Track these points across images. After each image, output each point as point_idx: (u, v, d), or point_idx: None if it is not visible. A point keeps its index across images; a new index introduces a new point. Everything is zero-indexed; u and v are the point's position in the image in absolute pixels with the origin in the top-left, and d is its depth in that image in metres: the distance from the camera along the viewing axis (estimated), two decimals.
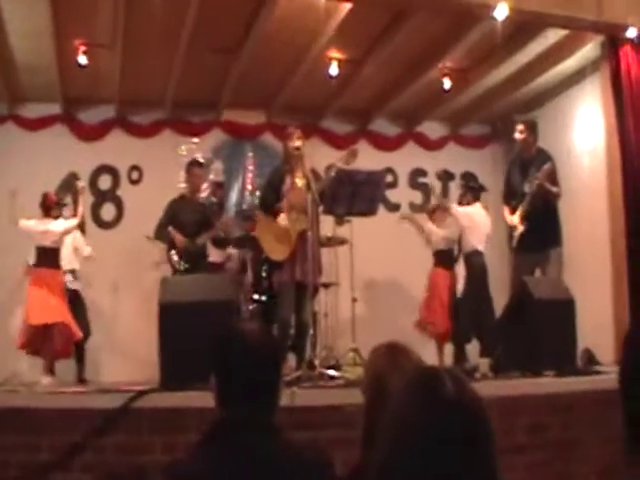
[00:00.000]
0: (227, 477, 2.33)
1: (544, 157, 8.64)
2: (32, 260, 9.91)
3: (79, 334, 9.75)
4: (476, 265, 10.02)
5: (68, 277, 10.34)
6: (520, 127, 8.75)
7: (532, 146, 8.74)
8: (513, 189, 8.97)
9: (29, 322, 9.46)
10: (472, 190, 10.82)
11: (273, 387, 2.59)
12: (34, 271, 9.77)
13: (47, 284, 9.60)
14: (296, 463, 2.45)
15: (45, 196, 9.94)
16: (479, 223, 10.16)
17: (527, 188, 8.63)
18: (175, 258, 9.34)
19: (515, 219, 8.70)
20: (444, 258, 11.05)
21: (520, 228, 8.63)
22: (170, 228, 9.43)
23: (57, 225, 9.80)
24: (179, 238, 9.31)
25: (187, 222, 9.44)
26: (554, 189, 8.52)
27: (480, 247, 10.05)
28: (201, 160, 10.65)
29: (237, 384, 2.52)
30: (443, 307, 10.83)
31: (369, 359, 3.37)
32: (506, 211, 9.00)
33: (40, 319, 9.39)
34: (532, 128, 8.83)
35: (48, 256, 9.74)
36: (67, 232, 9.94)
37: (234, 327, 2.70)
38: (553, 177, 8.63)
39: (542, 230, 8.46)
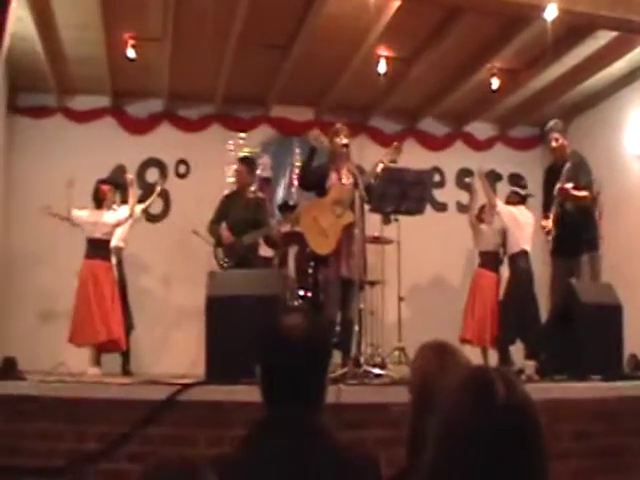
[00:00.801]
0: (271, 476, 2.31)
1: (575, 159, 8.48)
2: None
3: (122, 343, 9.85)
4: (522, 266, 9.95)
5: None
6: (556, 135, 8.62)
7: (566, 150, 8.60)
8: (548, 195, 8.84)
9: (74, 342, 9.59)
10: (518, 195, 10.76)
11: (318, 385, 2.51)
12: (84, 263, 9.77)
13: (97, 276, 9.65)
14: (341, 464, 2.39)
15: (98, 188, 10.00)
16: (524, 224, 10.12)
17: (555, 191, 8.53)
18: (220, 255, 9.35)
19: (548, 223, 8.59)
20: (490, 259, 10.98)
21: (552, 232, 8.53)
22: (223, 225, 9.43)
23: (109, 217, 9.85)
24: (226, 235, 9.30)
25: (236, 219, 9.39)
26: (577, 192, 8.28)
27: (526, 246, 9.99)
28: (244, 155, 10.69)
29: (280, 381, 2.46)
30: (485, 310, 10.77)
31: (416, 359, 3.32)
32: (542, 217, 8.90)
33: (84, 340, 9.54)
34: (565, 134, 8.72)
35: (99, 247, 9.79)
36: (119, 224, 10.02)
37: (278, 321, 2.55)
38: (584, 178, 8.40)
39: (576, 234, 8.30)
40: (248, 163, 10.10)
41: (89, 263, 9.74)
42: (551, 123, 8.80)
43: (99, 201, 9.90)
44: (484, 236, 11.01)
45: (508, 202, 10.58)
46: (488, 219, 11.01)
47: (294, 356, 2.44)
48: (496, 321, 10.47)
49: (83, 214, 9.76)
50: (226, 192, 10.07)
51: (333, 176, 8.24)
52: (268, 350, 2.50)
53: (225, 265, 9.28)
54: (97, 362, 9.61)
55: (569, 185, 8.16)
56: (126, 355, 10.40)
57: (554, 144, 8.57)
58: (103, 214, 9.83)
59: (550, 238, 8.51)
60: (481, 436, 1.66)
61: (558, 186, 8.29)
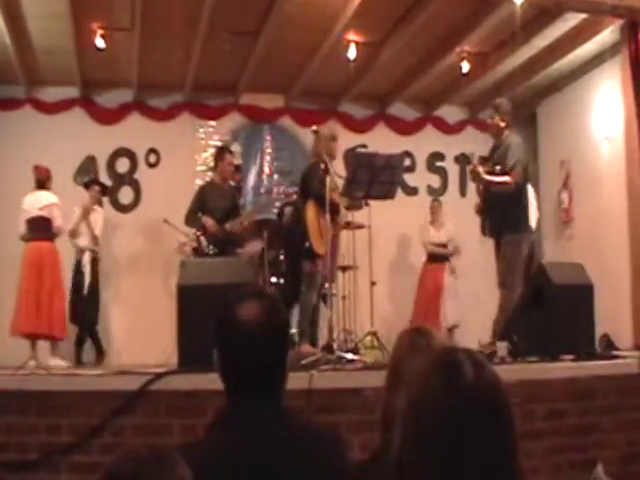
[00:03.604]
0: (232, 465, 2.27)
1: (508, 141, 8.36)
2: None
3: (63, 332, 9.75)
4: None
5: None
6: (491, 113, 8.51)
7: (502, 131, 8.41)
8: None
9: (15, 333, 9.42)
10: None
11: (277, 369, 2.46)
12: (26, 246, 9.63)
13: (41, 258, 9.53)
14: (303, 446, 2.38)
15: (35, 168, 9.87)
16: (531, 198, 10.16)
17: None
18: (205, 243, 9.38)
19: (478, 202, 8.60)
20: (436, 253, 11.57)
21: (480, 211, 8.54)
22: (200, 214, 9.46)
23: (48, 196, 9.71)
24: (210, 223, 9.35)
25: (216, 208, 9.50)
26: (491, 178, 8.08)
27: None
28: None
29: (239, 369, 2.41)
30: (434, 302, 11.27)
31: (394, 343, 3.35)
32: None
33: (26, 329, 9.36)
34: (501, 113, 8.53)
35: (40, 227, 9.61)
36: (54, 205, 9.77)
37: (234, 306, 2.43)
38: (510, 161, 8.07)
39: (498, 216, 8.19)
40: (232, 153, 10.22)
41: (31, 245, 9.60)
42: (495, 101, 8.77)
43: (40, 183, 9.79)
44: (428, 243, 11.96)
45: None
46: (437, 213, 11.55)
47: (251, 343, 2.39)
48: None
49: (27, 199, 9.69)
50: (202, 183, 10.07)
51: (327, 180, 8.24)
52: (225, 337, 2.46)
53: (211, 252, 9.32)
54: (56, 353, 9.51)
55: (498, 168, 8.10)
56: (80, 348, 10.39)
57: (488, 121, 8.51)
58: (41, 193, 9.71)
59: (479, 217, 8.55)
60: (449, 416, 1.66)
61: (469, 167, 8.29)
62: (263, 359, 2.41)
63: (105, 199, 11.51)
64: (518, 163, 8.10)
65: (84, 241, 10.50)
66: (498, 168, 8.10)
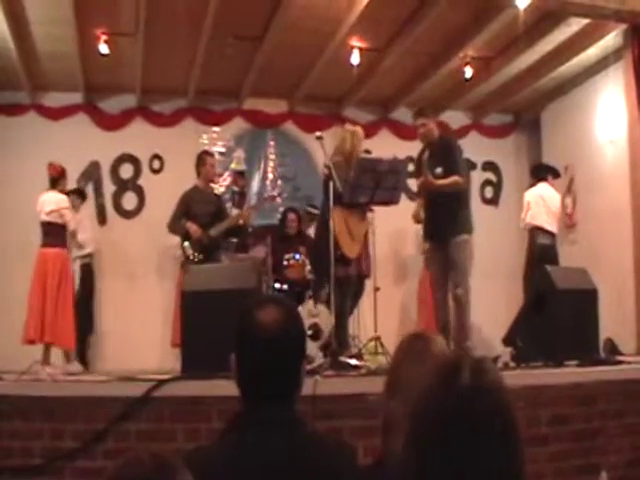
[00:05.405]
0: (246, 470, 2.29)
1: (442, 142, 8.36)
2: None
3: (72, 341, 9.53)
4: (536, 242, 9.91)
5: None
6: (422, 121, 8.38)
7: (434, 133, 8.41)
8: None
9: (23, 341, 9.13)
10: (534, 172, 10.82)
11: (293, 377, 2.48)
12: (38, 252, 9.29)
13: (46, 265, 9.20)
14: (317, 455, 2.39)
15: (49, 166, 9.52)
16: (547, 199, 10.11)
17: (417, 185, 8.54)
18: (189, 250, 9.36)
19: (419, 211, 8.58)
20: None
21: (422, 219, 8.53)
22: (184, 220, 9.43)
23: (57, 199, 9.32)
24: (194, 229, 9.32)
25: (200, 213, 9.49)
26: (442, 182, 7.99)
27: (542, 224, 9.95)
28: (213, 149, 10.74)
29: (255, 375, 2.42)
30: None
31: (395, 348, 3.35)
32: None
33: (33, 336, 9.09)
34: (427, 116, 8.53)
35: (47, 233, 9.30)
36: (61, 207, 9.29)
37: (252, 313, 2.46)
38: (451, 161, 8.14)
39: (441, 218, 8.14)
40: (214, 155, 10.18)
41: (42, 252, 9.27)
42: (415, 110, 8.72)
43: (53, 182, 9.41)
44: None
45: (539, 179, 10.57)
46: None
47: (268, 348, 2.40)
48: None
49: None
50: (186, 189, 10.03)
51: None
52: (242, 341, 2.46)
53: (196, 259, 9.28)
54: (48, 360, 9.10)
55: (438, 169, 8.08)
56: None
57: (422, 130, 8.42)
58: (49, 196, 9.32)
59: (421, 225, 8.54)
60: (447, 420, 1.65)
61: (420, 180, 8.27)
62: (279, 365, 2.43)
63: (109, 205, 11.53)
64: (462, 165, 8.28)
65: (74, 251, 10.42)
66: (439, 170, 8.09)
